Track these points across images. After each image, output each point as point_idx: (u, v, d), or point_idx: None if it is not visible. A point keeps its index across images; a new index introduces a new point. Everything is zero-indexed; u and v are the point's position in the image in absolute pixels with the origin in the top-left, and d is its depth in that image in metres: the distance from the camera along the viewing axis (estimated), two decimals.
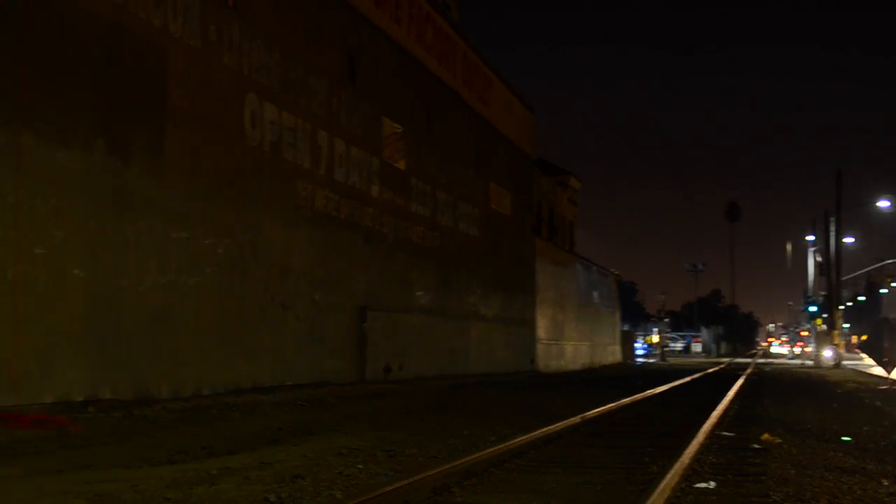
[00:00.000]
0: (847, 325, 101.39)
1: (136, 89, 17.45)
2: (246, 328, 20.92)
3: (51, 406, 14.64)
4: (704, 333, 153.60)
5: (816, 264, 76.58)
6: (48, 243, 14.94)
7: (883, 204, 67.08)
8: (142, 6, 17.44)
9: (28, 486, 8.29)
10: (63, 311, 15.39)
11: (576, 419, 15.89)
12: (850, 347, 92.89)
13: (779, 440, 13.92)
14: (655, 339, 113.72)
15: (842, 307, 73.83)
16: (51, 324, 15.11)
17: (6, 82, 14.31)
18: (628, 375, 46.79)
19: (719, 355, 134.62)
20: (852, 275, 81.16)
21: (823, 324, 69.17)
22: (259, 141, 21.61)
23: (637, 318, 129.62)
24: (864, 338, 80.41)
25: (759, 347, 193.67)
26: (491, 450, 11.14)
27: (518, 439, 12.39)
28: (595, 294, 68.14)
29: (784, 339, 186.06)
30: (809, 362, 73.90)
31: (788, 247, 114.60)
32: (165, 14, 18.15)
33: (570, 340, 57.84)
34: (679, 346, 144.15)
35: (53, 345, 15.15)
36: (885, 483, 10.36)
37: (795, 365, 74.55)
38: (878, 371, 50.43)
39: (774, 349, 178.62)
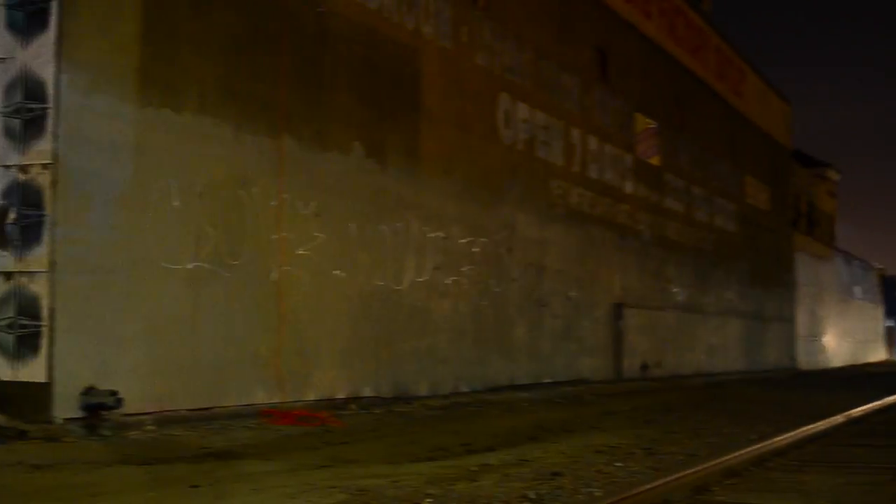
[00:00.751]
0: None
1: (391, 92, 17.81)
2: (502, 326, 21.07)
3: (314, 403, 15.10)
4: None
5: None
6: (310, 244, 15.42)
7: None
8: (395, 11, 17.79)
9: (296, 480, 8.53)
10: (324, 310, 15.84)
11: (839, 418, 15.30)
12: None
13: None
14: None
15: None
16: (313, 323, 15.57)
17: (268, 90, 14.82)
18: (893, 373, 44.92)
19: None
20: None
21: None
22: (512, 140, 21.75)
23: None
24: None
25: None
26: (751, 448, 10.83)
27: (779, 438, 12.01)
28: (856, 289, 65.74)
29: None
30: None
31: None
32: (417, 18, 18.47)
33: (831, 337, 55.97)
34: None
35: (316, 343, 15.60)
36: None
37: None
38: None
39: None
